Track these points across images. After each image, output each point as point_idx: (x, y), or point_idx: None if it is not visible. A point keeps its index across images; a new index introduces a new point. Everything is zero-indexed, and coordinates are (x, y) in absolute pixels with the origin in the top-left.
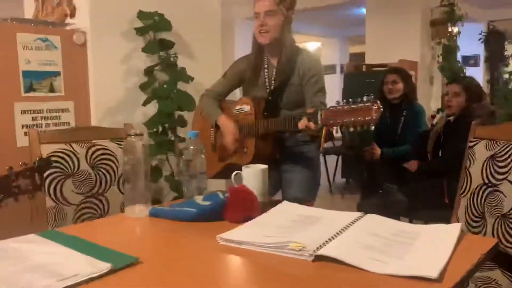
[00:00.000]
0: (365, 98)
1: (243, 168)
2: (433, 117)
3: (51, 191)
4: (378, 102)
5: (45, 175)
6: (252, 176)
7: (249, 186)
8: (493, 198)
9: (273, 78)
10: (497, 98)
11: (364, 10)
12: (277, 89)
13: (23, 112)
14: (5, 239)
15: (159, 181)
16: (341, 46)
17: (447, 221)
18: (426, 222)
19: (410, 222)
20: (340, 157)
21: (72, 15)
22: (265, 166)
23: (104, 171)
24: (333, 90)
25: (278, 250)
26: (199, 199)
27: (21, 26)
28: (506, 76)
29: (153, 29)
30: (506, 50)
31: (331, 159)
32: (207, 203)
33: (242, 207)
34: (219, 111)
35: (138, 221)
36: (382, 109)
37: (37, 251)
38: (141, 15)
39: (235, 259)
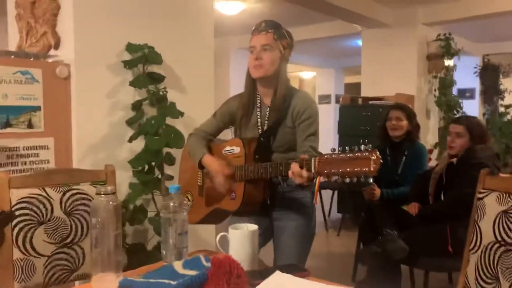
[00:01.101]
0: (362, 147)
1: (229, 229)
2: (430, 151)
3: (20, 241)
4: (377, 152)
5: (8, 226)
6: (240, 239)
7: (236, 250)
8: (508, 259)
9: (266, 118)
10: (493, 130)
11: (359, 42)
12: (270, 130)
13: None
14: None
15: (144, 223)
16: (336, 76)
17: (451, 272)
18: (428, 271)
19: (411, 271)
20: (335, 192)
21: (56, 46)
22: (255, 227)
23: (81, 218)
24: (328, 120)
25: None
26: (178, 265)
27: (1, 59)
28: (502, 109)
29: (142, 62)
30: (501, 83)
31: (326, 193)
32: (188, 272)
33: (226, 283)
34: (204, 150)
35: None
36: (381, 161)
37: None
38: (130, 47)
39: None
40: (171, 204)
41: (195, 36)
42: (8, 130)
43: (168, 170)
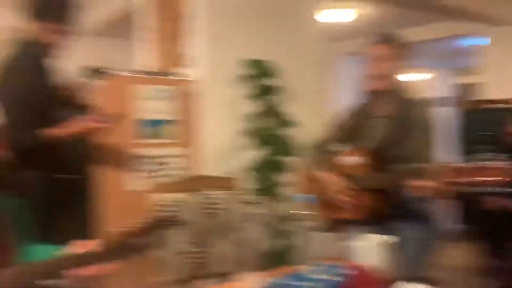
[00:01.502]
0: (491, 155)
1: (359, 239)
2: None
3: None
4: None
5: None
6: (375, 249)
7: (371, 259)
8: None
9: (384, 128)
10: None
11: (474, 41)
12: (389, 140)
13: (139, 158)
14: None
15: None
16: (450, 77)
17: None
18: None
19: None
20: (455, 201)
21: (187, 65)
22: (388, 238)
23: (213, 220)
24: (445, 124)
25: None
26: (313, 270)
27: (143, 79)
28: None
29: (259, 76)
30: None
31: (446, 203)
32: (325, 277)
33: None
34: (321, 164)
35: None
36: None
37: None
38: (249, 63)
39: None
40: (300, 212)
41: (304, 45)
42: (147, 141)
43: (285, 177)
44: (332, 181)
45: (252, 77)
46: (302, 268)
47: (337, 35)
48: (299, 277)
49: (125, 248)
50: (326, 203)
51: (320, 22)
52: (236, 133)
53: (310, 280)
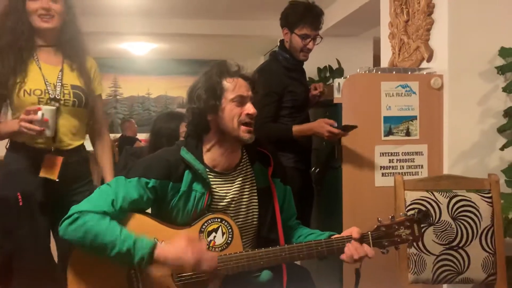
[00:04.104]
0: None
1: None
2: None
3: None
4: None
5: (422, 226)
6: None
7: None
8: None
9: None
10: None
11: None
12: None
13: (382, 154)
14: None
15: None
16: None
17: None
18: None
19: None
20: None
21: (429, 59)
22: None
23: (466, 224)
24: None
25: None
26: None
27: (384, 75)
28: None
29: None
30: None
31: None
32: None
33: None
34: None
35: None
36: None
37: None
38: (503, 51)
39: None
40: None
41: None
42: (390, 137)
43: None
44: None
45: (507, 68)
46: None
47: None
48: None
49: (387, 237)
50: None
51: None
52: (488, 130)
53: None
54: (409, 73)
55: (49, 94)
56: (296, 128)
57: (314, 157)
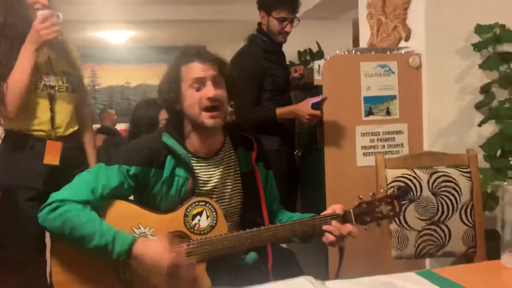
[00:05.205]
0: None
1: None
2: None
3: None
4: None
5: (402, 203)
6: None
7: None
8: None
9: None
10: None
11: None
12: None
13: (363, 134)
14: (388, 275)
15: (495, 210)
16: None
17: None
18: None
19: None
20: None
21: (407, 38)
22: None
23: (446, 199)
24: None
25: None
26: None
27: (364, 56)
28: None
29: (493, 43)
30: None
31: None
32: None
33: None
34: None
35: None
36: None
37: None
38: (479, 29)
39: None
40: None
41: None
42: (370, 117)
43: None
44: None
45: (483, 45)
46: None
47: None
48: None
49: (369, 213)
50: None
51: None
52: (466, 107)
53: None
54: (388, 53)
55: (44, 81)
56: (279, 111)
57: (297, 140)
